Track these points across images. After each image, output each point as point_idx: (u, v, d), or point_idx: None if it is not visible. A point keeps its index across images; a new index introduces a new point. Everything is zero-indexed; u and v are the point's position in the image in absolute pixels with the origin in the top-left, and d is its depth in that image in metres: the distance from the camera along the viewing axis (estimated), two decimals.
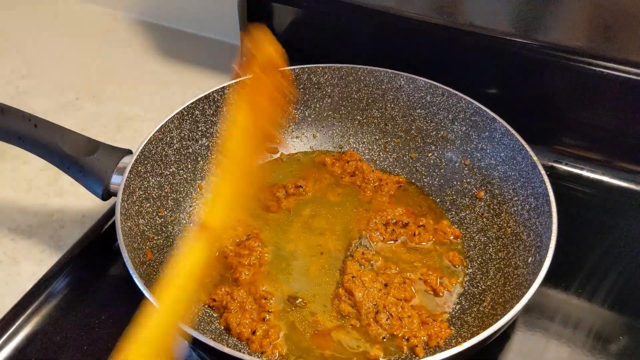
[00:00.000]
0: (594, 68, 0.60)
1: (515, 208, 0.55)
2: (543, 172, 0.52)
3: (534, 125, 0.68)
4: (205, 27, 0.92)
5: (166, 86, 0.83)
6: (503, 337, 0.51)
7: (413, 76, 0.63)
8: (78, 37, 0.94)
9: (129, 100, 0.80)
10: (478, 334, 0.41)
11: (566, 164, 0.67)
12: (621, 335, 0.51)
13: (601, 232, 0.61)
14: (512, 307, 0.43)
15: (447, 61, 0.69)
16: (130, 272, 0.44)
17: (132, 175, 0.52)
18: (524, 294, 0.43)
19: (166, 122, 0.57)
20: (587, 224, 0.61)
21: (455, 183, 0.61)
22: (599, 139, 0.66)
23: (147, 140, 0.55)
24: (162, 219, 0.55)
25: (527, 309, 0.51)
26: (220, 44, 0.90)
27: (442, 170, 0.62)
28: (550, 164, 0.67)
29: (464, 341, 0.40)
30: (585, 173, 0.66)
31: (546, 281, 0.47)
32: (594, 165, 0.66)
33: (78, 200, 0.65)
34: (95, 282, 0.55)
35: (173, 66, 0.87)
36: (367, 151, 0.66)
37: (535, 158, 0.53)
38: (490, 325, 0.41)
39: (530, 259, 0.49)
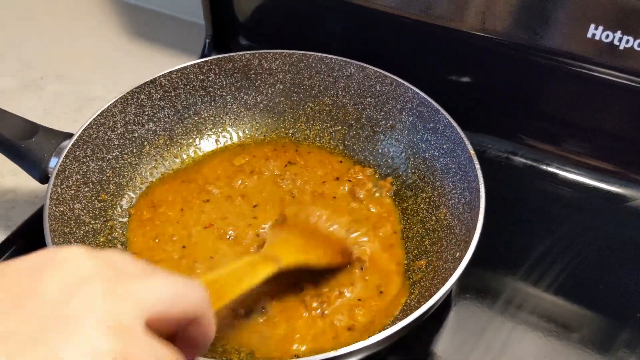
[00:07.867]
0: (547, 61, 0.59)
1: (452, 201, 0.54)
2: (478, 166, 0.52)
3: (493, 116, 0.67)
4: (171, 5, 0.91)
5: (131, 66, 0.83)
6: (438, 320, 0.52)
7: (363, 64, 0.62)
8: (45, 17, 0.93)
9: (93, 80, 0.80)
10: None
11: (521, 156, 0.67)
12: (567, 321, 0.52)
13: (554, 223, 0.61)
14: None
15: (412, 52, 0.68)
16: None
17: (68, 160, 0.52)
18: (440, 289, 0.44)
19: (108, 106, 0.57)
20: (540, 215, 0.61)
21: (401, 174, 0.61)
22: (555, 131, 0.66)
23: (86, 125, 0.55)
24: (102, 203, 0.56)
25: (470, 291, 0.53)
26: (185, 23, 0.89)
27: (389, 160, 0.62)
28: (506, 155, 0.67)
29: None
30: (542, 167, 0.66)
31: (496, 267, 0.53)
32: (550, 158, 0.66)
33: (31, 181, 0.65)
34: None
35: (138, 45, 0.87)
36: (317, 138, 0.66)
37: (472, 151, 0.53)
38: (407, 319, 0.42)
39: (458, 254, 0.49)
